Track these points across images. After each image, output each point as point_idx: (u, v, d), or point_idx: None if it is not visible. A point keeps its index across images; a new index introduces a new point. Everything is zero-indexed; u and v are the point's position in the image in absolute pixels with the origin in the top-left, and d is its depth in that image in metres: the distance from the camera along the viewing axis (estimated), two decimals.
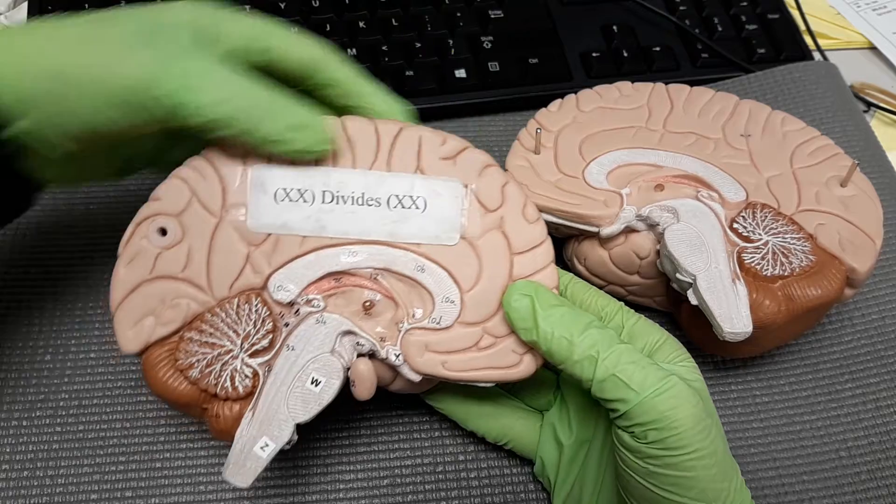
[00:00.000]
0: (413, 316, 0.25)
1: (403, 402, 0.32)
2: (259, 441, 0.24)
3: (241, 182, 0.25)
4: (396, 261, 0.25)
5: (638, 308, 0.34)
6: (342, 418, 0.31)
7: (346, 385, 0.25)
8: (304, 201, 0.25)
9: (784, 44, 0.43)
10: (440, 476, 0.30)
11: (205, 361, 0.24)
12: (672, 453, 0.21)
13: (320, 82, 0.26)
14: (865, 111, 0.44)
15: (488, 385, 0.26)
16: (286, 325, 0.25)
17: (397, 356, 0.25)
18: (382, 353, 0.25)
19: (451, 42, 0.42)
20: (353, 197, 0.25)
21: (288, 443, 0.24)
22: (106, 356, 0.32)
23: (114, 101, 0.22)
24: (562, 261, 0.35)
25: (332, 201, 0.25)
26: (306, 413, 0.24)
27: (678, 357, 0.24)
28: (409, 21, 0.42)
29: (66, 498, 0.29)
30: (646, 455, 0.22)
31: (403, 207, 0.25)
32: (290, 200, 0.25)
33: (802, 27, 0.46)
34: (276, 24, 0.25)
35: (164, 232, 0.25)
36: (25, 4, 0.41)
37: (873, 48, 0.47)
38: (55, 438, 0.30)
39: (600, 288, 0.32)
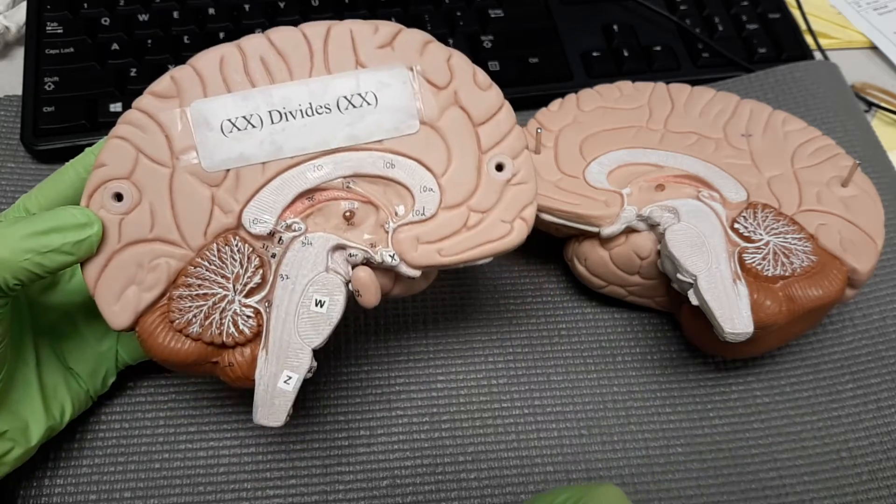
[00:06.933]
0: (396, 214, 0.25)
1: (403, 402, 0.31)
2: (281, 376, 0.23)
3: (183, 124, 0.24)
4: (363, 163, 0.25)
5: (638, 308, 0.34)
6: (341, 419, 0.31)
7: (351, 300, 0.25)
8: (253, 126, 0.24)
9: (785, 43, 0.43)
10: (440, 477, 0.30)
11: (202, 314, 0.24)
12: None
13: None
14: (866, 111, 0.44)
15: (487, 261, 0.25)
16: (272, 256, 0.24)
17: (392, 256, 0.24)
18: (377, 258, 0.25)
19: (451, 42, 0.42)
20: (301, 110, 0.24)
21: (309, 370, 0.24)
22: None
23: None
24: (562, 261, 0.34)
25: (281, 120, 0.24)
26: (319, 335, 0.24)
27: None
28: (408, 21, 0.42)
29: (64, 499, 0.29)
30: None
31: (355, 107, 0.25)
32: (238, 129, 0.24)
33: (803, 27, 0.46)
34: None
35: (119, 197, 0.24)
36: (24, 4, 0.41)
37: (874, 48, 0.47)
38: (53, 439, 0.30)
39: (600, 288, 0.33)
